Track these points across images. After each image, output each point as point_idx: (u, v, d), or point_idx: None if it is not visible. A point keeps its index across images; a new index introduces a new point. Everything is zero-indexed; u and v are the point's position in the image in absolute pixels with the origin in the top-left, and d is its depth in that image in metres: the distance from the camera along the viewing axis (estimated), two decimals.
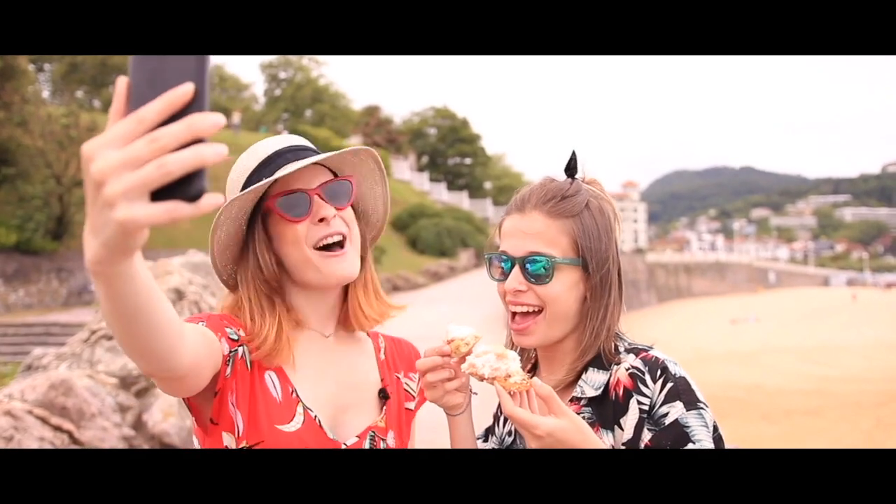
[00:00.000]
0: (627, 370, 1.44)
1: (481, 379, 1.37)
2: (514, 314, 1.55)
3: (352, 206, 1.64)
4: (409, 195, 46.05)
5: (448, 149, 72.22)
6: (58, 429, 5.08)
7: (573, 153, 1.62)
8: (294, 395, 1.54)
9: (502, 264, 1.55)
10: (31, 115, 23.54)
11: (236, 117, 47.20)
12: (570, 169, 1.61)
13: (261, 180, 1.54)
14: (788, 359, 27.33)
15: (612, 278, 1.53)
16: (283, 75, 70.11)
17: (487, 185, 70.38)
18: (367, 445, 1.61)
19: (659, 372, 1.42)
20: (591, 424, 1.43)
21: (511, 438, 1.63)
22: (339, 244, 1.56)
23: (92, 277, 0.93)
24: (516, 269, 1.52)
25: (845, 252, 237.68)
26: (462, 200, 56.01)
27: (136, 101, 0.79)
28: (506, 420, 1.66)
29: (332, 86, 70.69)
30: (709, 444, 1.36)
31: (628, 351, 1.50)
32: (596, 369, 1.49)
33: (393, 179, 49.53)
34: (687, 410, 1.37)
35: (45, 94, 38.16)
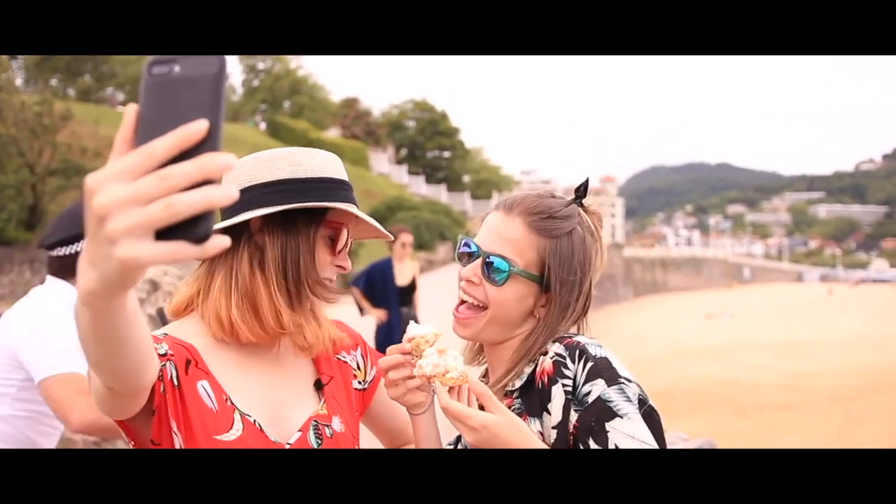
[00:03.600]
0: (551, 358, 1.47)
1: (428, 379, 1.41)
2: (460, 301, 1.59)
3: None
4: (387, 188, 45.93)
5: (427, 142, 72.17)
6: None
7: (587, 180, 1.65)
8: (229, 402, 1.49)
9: (470, 252, 1.58)
10: (4, 102, 23.16)
11: None
12: (580, 192, 1.64)
13: (321, 196, 1.53)
14: (762, 354, 27.59)
15: (573, 307, 1.55)
16: (261, 66, 69.65)
17: (466, 178, 70.37)
18: (311, 437, 1.56)
19: (578, 353, 1.44)
20: (520, 414, 1.47)
21: None
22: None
23: (80, 306, 0.91)
24: (479, 261, 1.55)
25: (819, 248, 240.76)
26: (440, 194, 55.95)
27: (145, 131, 0.76)
28: None
29: (311, 77, 70.37)
30: (635, 416, 1.37)
31: (554, 341, 1.52)
32: (525, 361, 1.53)
33: (371, 172, 49.36)
34: (608, 386, 1.39)
35: (19, 81, 37.56)
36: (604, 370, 1.41)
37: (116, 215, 0.74)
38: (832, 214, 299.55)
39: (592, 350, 1.44)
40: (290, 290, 1.53)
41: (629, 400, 1.38)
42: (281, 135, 50.11)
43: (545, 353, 1.49)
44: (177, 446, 1.42)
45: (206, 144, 0.74)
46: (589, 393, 1.39)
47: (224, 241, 0.76)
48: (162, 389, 1.40)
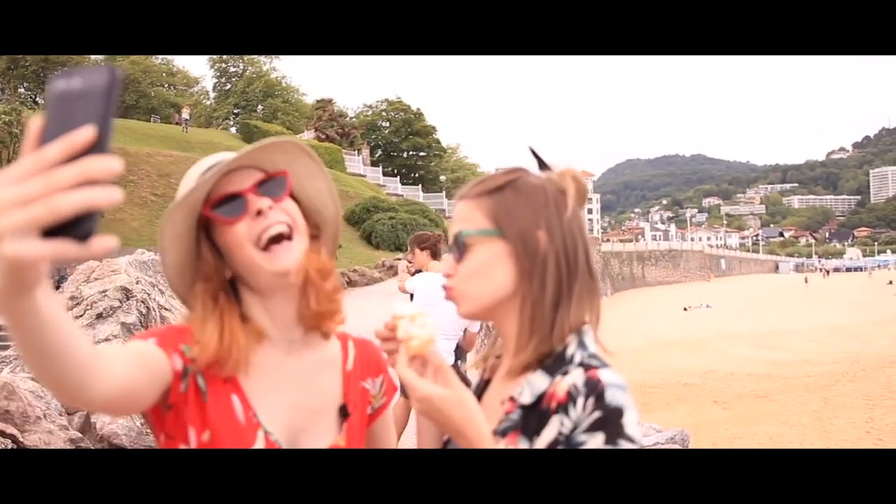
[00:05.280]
0: (566, 387, 1.35)
1: (402, 342, 1.39)
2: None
3: (298, 203, 1.58)
4: (363, 189, 45.75)
5: (402, 142, 72.09)
6: (1, 434, 4.95)
7: (533, 151, 1.57)
8: (255, 419, 1.48)
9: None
10: None
11: (186, 113, 46.45)
12: (539, 164, 1.56)
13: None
14: (740, 344, 27.86)
15: (545, 255, 1.43)
16: (233, 69, 69.27)
17: (442, 177, 70.28)
18: None
19: (594, 399, 1.31)
20: (513, 428, 1.38)
21: None
22: (284, 236, 1.49)
23: None
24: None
25: (794, 238, 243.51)
26: (416, 194, 55.86)
27: (45, 142, 0.81)
28: None
29: (285, 79, 70.09)
30: None
31: (580, 364, 1.39)
32: (544, 373, 1.40)
33: (346, 174, 49.19)
34: (605, 444, 1.28)
35: None
36: (610, 423, 1.29)
37: (2, 216, 0.79)
38: (805, 204, 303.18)
39: (609, 397, 1.30)
40: (206, 289, 1.50)
41: None
42: (254, 138, 49.61)
43: (566, 374, 1.36)
44: (192, 444, 1.42)
45: (95, 149, 0.79)
46: (583, 443, 1.29)
47: (108, 242, 0.81)
48: (182, 388, 1.41)
